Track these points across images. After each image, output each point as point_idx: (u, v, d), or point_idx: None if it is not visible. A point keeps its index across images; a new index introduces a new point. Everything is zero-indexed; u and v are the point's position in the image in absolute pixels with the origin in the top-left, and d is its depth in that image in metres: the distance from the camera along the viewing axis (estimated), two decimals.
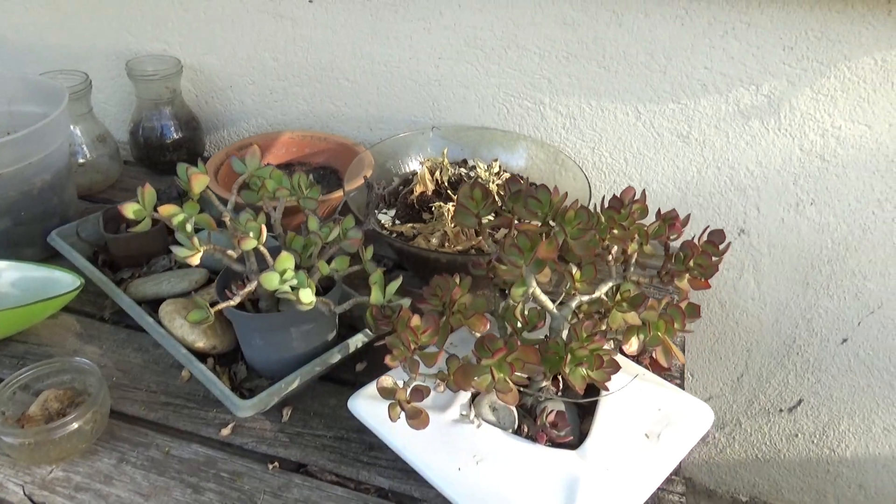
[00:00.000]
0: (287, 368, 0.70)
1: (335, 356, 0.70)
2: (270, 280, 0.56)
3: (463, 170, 0.94)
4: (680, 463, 0.62)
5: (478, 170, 0.91)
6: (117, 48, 1.13)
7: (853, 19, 0.79)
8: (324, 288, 0.70)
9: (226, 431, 0.68)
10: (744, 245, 1.00)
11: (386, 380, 0.57)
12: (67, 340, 0.79)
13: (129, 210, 0.64)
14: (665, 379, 0.71)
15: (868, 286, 0.97)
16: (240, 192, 0.68)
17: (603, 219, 0.63)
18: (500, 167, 0.92)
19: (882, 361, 1.02)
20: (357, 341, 0.72)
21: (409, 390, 0.56)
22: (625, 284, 0.67)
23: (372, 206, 0.73)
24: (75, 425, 0.63)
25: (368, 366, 0.76)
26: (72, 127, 0.99)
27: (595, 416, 0.63)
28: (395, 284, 0.60)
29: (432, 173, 0.90)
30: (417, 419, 0.56)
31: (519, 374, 0.55)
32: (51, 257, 0.87)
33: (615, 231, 0.63)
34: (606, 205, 0.63)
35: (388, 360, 0.56)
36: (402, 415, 0.56)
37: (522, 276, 0.60)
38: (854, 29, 0.80)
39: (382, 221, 0.87)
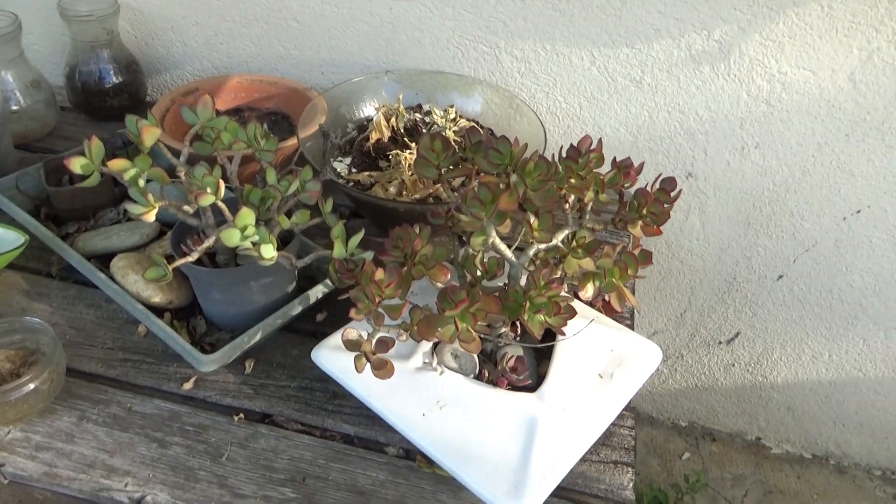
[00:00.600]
0: (247, 321, 0.70)
1: (296, 308, 0.71)
2: (231, 237, 0.55)
3: (418, 115, 0.93)
4: (630, 400, 0.66)
5: (434, 116, 0.90)
6: None
7: None
8: (282, 240, 0.69)
9: (188, 385, 0.68)
10: (691, 188, 1.03)
11: (351, 332, 0.58)
12: (14, 298, 0.76)
13: (76, 164, 0.61)
14: (616, 320, 0.74)
15: (804, 226, 1.02)
16: (192, 143, 0.66)
17: (561, 168, 0.64)
18: (455, 113, 0.91)
19: (814, 296, 1.09)
20: (317, 292, 0.72)
21: (374, 342, 0.57)
22: (580, 231, 0.68)
23: (328, 156, 0.72)
24: (31, 386, 0.62)
25: (329, 315, 0.77)
26: (2, 72, 0.93)
27: (552, 359, 0.65)
28: (357, 238, 0.60)
29: (388, 120, 0.89)
30: (383, 370, 0.57)
31: (481, 323, 0.57)
32: None
33: (572, 181, 0.64)
34: (564, 154, 0.64)
35: (353, 313, 0.56)
36: (368, 366, 0.58)
37: (483, 226, 0.61)
38: None
39: (338, 169, 0.86)
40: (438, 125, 0.87)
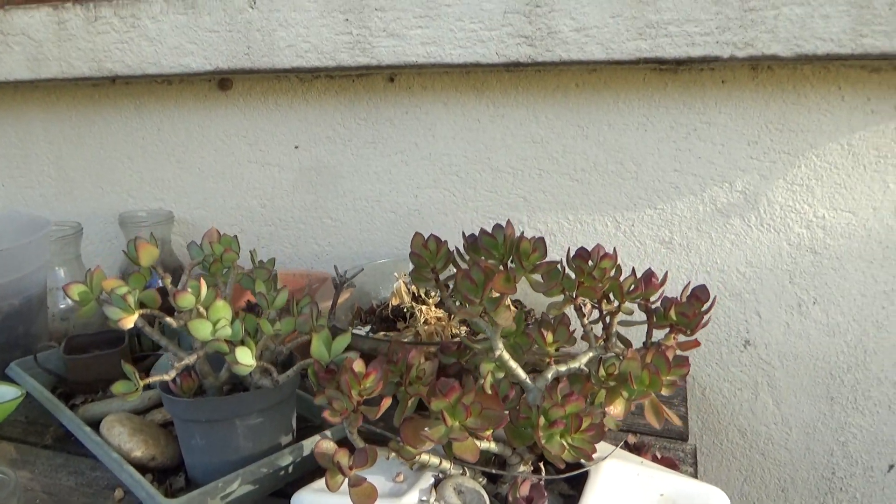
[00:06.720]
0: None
1: (286, 458, 0.62)
2: (201, 328, 0.51)
3: None
4: None
5: None
6: (118, 210, 1.18)
7: (809, 108, 0.81)
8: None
9: None
10: (752, 359, 0.92)
11: (324, 443, 0.49)
12: None
13: (74, 291, 0.61)
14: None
15: None
16: (192, 276, 0.66)
17: (570, 272, 0.59)
18: None
19: None
20: (314, 442, 0.64)
21: (352, 455, 0.48)
22: (608, 359, 0.60)
23: (336, 297, 0.69)
24: None
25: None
26: (56, 268, 1.00)
27: (581, 498, 0.52)
28: (344, 340, 0.54)
29: (408, 287, 0.87)
30: (359, 489, 0.47)
31: (477, 421, 0.47)
32: None
33: (584, 283, 0.58)
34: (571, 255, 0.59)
35: (326, 414, 0.48)
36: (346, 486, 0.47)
37: (490, 345, 0.55)
38: (812, 118, 0.82)
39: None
40: None
